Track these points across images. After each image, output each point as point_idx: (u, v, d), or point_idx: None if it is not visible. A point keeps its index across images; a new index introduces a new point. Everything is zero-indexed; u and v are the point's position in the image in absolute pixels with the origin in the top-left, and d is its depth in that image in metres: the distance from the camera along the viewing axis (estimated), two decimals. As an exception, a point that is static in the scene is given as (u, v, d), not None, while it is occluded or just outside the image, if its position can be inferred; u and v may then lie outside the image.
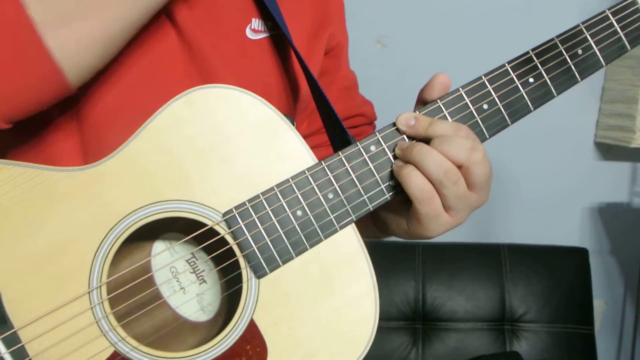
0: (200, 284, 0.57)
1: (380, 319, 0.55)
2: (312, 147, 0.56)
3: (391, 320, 1.38)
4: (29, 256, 0.50)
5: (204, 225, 0.53)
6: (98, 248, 0.51)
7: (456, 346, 1.38)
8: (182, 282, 0.56)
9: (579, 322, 1.41)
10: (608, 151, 1.64)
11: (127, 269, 0.54)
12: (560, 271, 1.43)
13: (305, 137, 0.74)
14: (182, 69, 0.59)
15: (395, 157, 0.54)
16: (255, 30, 0.62)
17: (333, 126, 0.63)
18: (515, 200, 1.66)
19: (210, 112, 0.53)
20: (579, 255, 1.46)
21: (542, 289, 1.42)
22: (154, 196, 0.52)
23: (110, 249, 0.51)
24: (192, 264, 0.56)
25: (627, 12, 0.58)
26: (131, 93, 0.57)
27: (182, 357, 0.52)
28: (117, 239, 0.51)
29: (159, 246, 0.56)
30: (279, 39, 0.65)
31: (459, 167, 0.52)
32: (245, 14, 0.63)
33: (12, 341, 0.50)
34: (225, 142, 0.53)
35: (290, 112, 0.67)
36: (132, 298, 0.53)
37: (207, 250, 0.56)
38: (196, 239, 0.54)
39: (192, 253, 0.56)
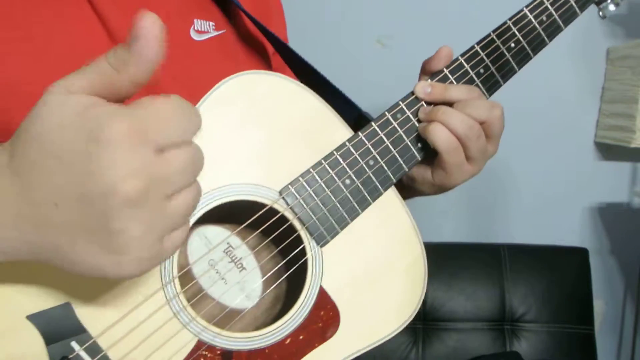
0: (240, 271, 0.58)
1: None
2: None
3: (391, 320, 1.38)
4: None
5: (253, 208, 0.54)
6: None
7: (456, 346, 1.38)
8: (221, 272, 0.57)
9: (579, 322, 1.41)
10: (608, 151, 1.64)
11: (193, 263, 0.54)
12: (560, 271, 1.43)
13: None
14: None
15: (419, 121, 0.61)
16: (199, 31, 0.62)
17: (337, 101, 0.64)
18: (515, 200, 1.66)
19: (257, 98, 0.55)
20: (579, 255, 1.46)
21: (542, 289, 1.41)
22: (209, 184, 0.53)
23: None
24: (228, 252, 0.57)
25: None
26: None
27: (264, 334, 0.53)
28: None
29: (194, 240, 0.57)
30: (225, 38, 0.65)
31: (482, 123, 0.59)
32: (186, 16, 0.62)
33: (93, 350, 0.47)
34: (269, 126, 0.55)
35: None
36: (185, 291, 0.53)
37: (245, 235, 0.58)
38: (245, 222, 0.55)
39: (227, 242, 0.57)
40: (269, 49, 0.72)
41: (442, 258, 1.44)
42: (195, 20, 0.62)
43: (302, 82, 0.70)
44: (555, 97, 1.59)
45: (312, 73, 0.65)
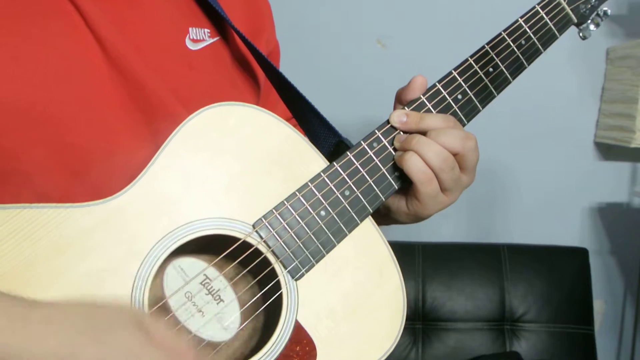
0: (217, 303, 0.56)
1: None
2: None
3: (391, 320, 1.38)
4: (67, 295, 0.48)
5: (228, 241, 0.53)
6: (135, 279, 0.50)
7: (456, 346, 1.38)
8: (198, 304, 0.55)
9: (579, 322, 1.41)
10: (608, 151, 1.64)
11: (166, 299, 0.53)
12: (560, 271, 1.43)
13: None
14: (117, 100, 0.55)
15: (395, 149, 0.59)
16: (194, 40, 0.61)
17: (318, 125, 0.64)
18: (515, 200, 1.66)
19: (227, 131, 0.54)
20: (579, 255, 1.46)
21: (542, 289, 1.41)
22: (181, 219, 0.52)
23: (148, 278, 0.50)
24: (206, 285, 0.56)
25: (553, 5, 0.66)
26: (65, 134, 0.53)
27: None
28: (152, 266, 0.50)
29: (169, 272, 0.56)
30: (220, 45, 0.64)
31: (455, 154, 0.58)
32: (181, 25, 0.61)
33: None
34: (242, 158, 0.54)
35: None
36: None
37: (221, 267, 0.56)
38: (221, 254, 0.54)
39: (204, 274, 0.56)
40: (258, 69, 0.72)
41: (442, 258, 1.44)
42: (190, 29, 0.61)
43: (285, 102, 0.69)
44: (555, 97, 1.59)
45: (296, 96, 0.64)
